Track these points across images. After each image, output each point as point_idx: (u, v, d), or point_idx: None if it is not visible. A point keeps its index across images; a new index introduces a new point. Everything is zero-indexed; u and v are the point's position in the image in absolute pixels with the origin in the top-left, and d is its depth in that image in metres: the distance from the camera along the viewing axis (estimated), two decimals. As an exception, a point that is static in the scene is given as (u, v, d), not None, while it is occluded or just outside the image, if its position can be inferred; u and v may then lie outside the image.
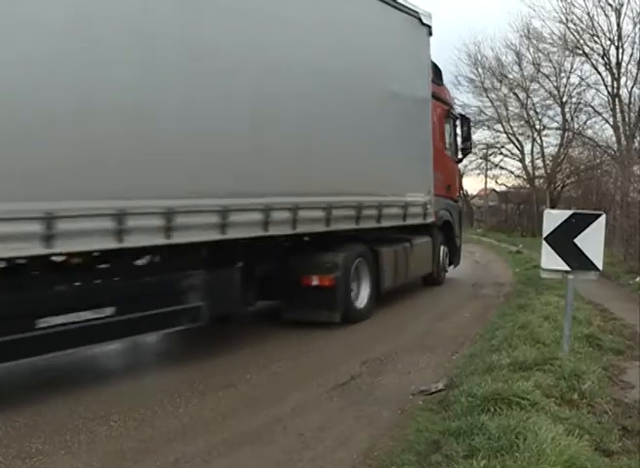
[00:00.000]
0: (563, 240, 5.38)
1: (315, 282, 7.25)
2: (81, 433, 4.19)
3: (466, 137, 12.10)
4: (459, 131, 11.89)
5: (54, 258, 4.88)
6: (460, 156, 12.29)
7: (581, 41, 21.72)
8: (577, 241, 5.32)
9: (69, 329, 4.75)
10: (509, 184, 31.30)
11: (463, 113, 15.36)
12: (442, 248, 11.06)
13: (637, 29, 20.14)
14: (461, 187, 27.28)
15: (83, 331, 4.85)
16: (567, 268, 5.40)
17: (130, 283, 5.32)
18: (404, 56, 8.97)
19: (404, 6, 8.92)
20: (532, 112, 27.40)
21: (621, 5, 20.31)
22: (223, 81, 5.85)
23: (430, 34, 9.76)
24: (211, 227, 5.73)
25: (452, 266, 11.82)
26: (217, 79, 5.79)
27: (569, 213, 5.57)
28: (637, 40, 20.27)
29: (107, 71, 4.85)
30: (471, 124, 13.85)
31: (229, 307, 6.60)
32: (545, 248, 5.45)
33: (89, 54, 4.74)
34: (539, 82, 26.36)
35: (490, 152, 30.12)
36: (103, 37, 4.82)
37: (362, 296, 7.98)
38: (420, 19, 9.39)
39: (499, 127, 28.92)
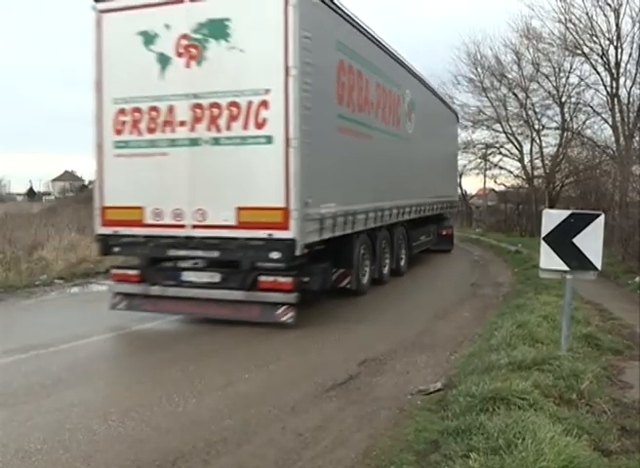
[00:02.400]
0: (562, 240, 5.37)
1: (445, 232, 17.41)
2: (79, 432, 4.20)
3: None
4: None
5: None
6: None
7: (581, 41, 21.62)
8: (575, 241, 5.32)
9: (422, 242, 14.80)
10: (508, 184, 31.16)
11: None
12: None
13: (636, 29, 20.07)
14: (460, 187, 28.66)
15: (424, 243, 15.09)
16: (566, 268, 5.40)
17: (426, 228, 15.18)
18: (451, 134, 19.72)
19: (454, 110, 20.66)
20: (531, 112, 27.26)
21: (620, 5, 20.17)
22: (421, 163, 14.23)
23: (458, 121, 21.84)
24: (427, 209, 14.49)
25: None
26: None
27: (568, 212, 5.54)
28: (636, 40, 20.20)
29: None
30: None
31: (434, 242, 16.28)
32: (544, 247, 5.45)
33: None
34: (538, 82, 26.24)
35: (489, 152, 30.03)
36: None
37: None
38: (456, 115, 20.84)
39: (498, 126, 28.78)
